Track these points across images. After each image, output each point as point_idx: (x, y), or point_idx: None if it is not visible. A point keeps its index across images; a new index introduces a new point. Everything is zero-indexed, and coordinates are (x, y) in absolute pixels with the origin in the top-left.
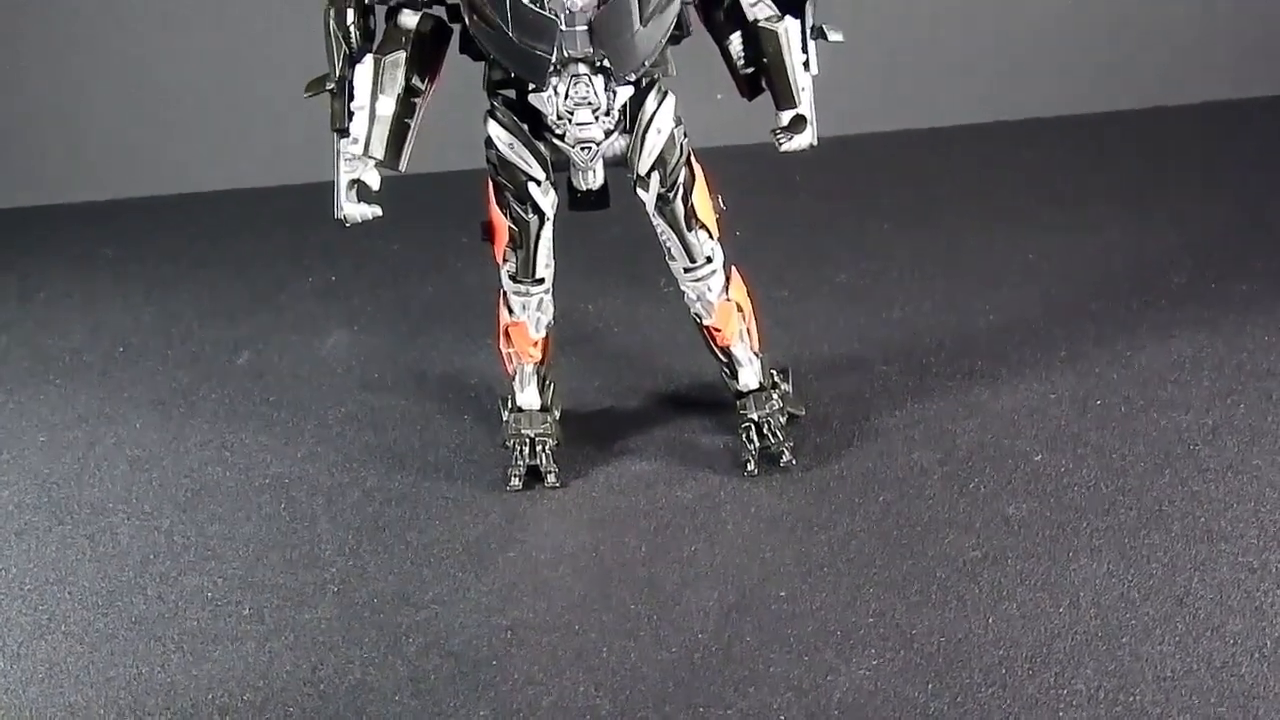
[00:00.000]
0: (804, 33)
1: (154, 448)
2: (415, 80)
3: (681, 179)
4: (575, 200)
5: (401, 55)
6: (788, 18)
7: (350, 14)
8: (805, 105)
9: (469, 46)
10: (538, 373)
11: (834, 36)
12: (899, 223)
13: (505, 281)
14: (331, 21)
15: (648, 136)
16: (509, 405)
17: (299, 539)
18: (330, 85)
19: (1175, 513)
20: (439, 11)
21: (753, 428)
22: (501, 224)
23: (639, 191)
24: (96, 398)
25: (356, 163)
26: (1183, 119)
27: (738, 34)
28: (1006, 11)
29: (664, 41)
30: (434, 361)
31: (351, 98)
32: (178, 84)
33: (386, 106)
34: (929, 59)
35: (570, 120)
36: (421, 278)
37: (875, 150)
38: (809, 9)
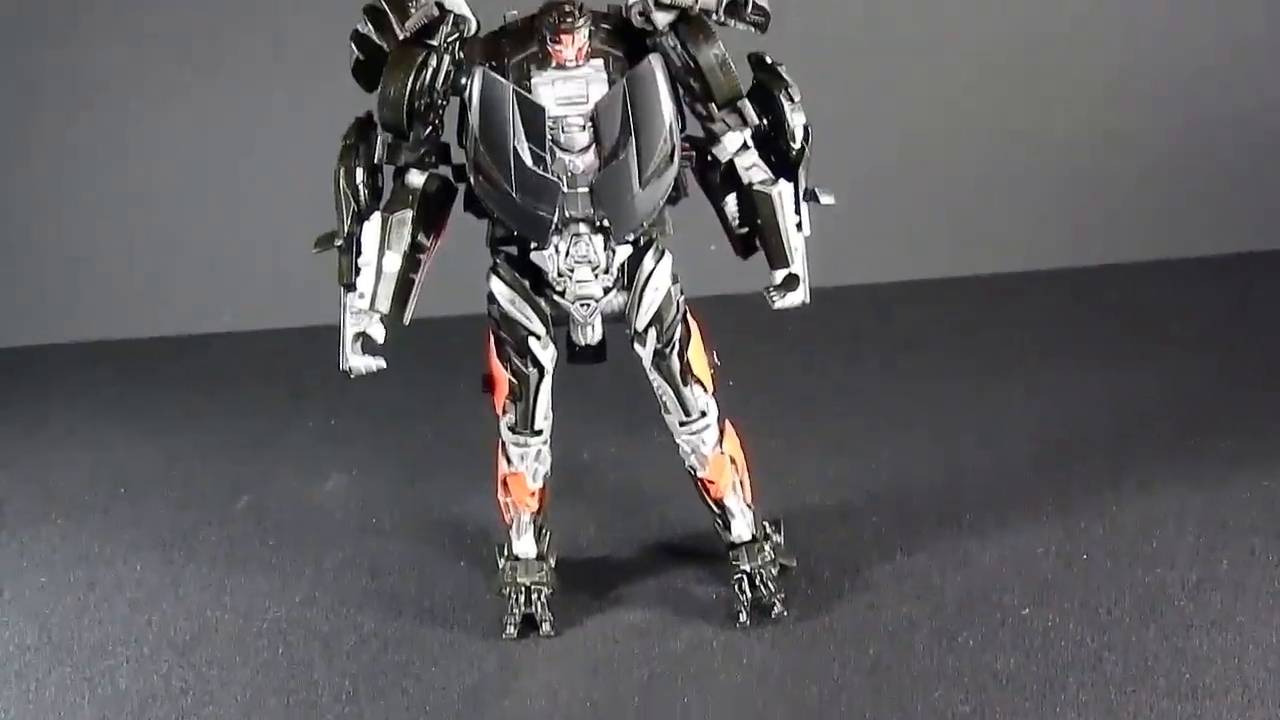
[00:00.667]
0: (797, 195)
1: (154, 589)
2: (421, 237)
3: (678, 335)
4: (574, 354)
5: (408, 214)
6: (781, 181)
7: (359, 173)
8: (798, 264)
9: (473, 205)
10: (534, 521)
11: (826, 199)
12: (888, 374)
13: (504, 432)
14: (341, 180)
15: (645, 294)
16: (505, 553)
17: (297, 684)
18: (339, 241)
19: (1160, 668)
20: (445, 172)
21: (745, 579)
22: (501, 377)
23: (636, 346)
24: (97, 538)
25: (362, 316)
26: (1166, 273)
27: (733, 196)
28: (992, 167)
29: (662, 203)
30: (432, 507)
31: (359, 254)
32: (181, 225)
33: (393, 263)
34: (916, 213)
35: (570, 277)
36: (420, 423)
37: (866, 302)
38: (802, 173)
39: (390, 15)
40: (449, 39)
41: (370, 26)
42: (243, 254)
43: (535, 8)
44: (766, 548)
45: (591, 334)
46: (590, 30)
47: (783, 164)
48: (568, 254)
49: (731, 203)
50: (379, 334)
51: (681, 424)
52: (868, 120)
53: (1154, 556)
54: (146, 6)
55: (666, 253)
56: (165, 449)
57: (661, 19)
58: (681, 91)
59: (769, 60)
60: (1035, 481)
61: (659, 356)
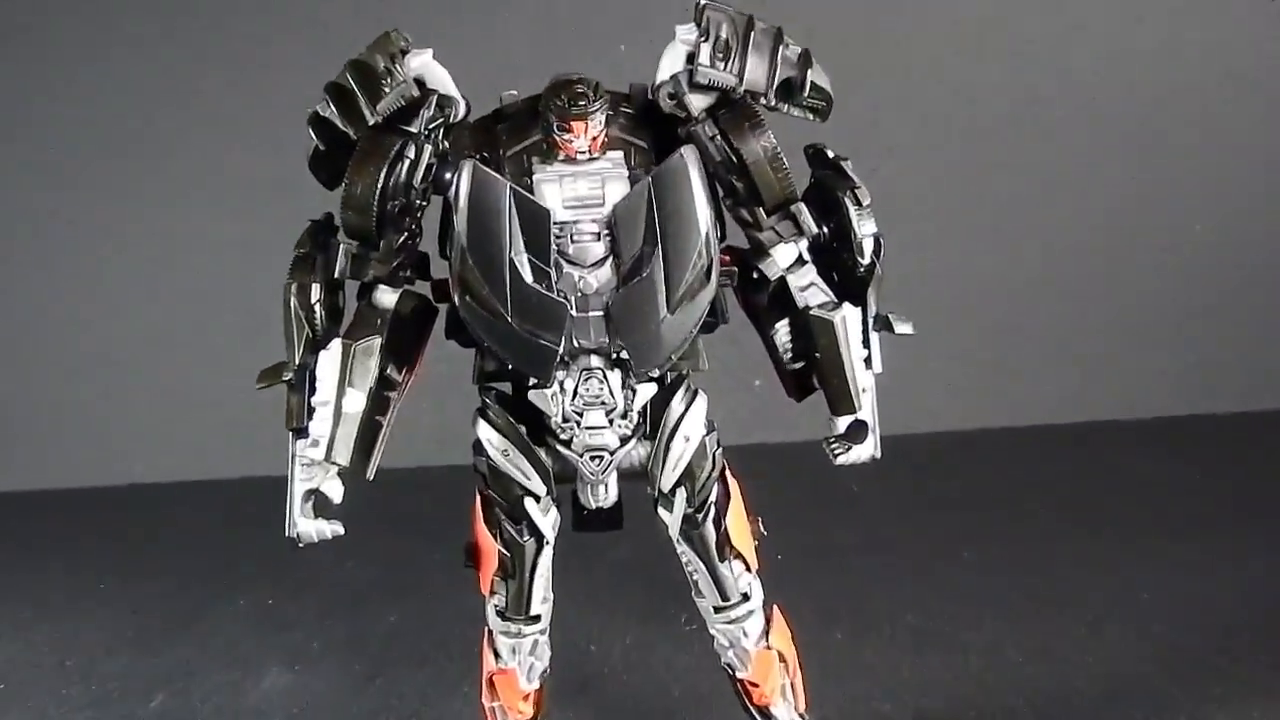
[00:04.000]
0: (865, 323)
1: None
2: (391, 371)
3: (713, 497)
4: (581, 519)
5: (376, 341)
6: (845, 305)
7: (315, 290)
8: (866, 410)
9: (457, 331)
10: None
11: (902, 328)
12: (978, 546)
13: (492, 619)
14: (293, 298)
15: (673, 445)
16: None
17: None
18: (288, 375)
19: None
20: (423, 289)
21: None
22: (490, 547)
23: (660, 511)
24: None
25: (316, 470)
26: None
27: (785, 323)
28: (1105, 299)
29: (695, 330)
30: (395, 712)
31: (313, 391)
32: (83, 356)
33: (355, 403)
34: (1012, 346)
35: (579, 424)
36: (383, 605)
37: (948, 454)
38: (872, 295)
39: (358, 95)
40: (431, 125)
41: (333, 108)
42: (162, 388)
43: (539, 86)
44: None
45: (605, 495)
46: (608, 115)
47: (847, 283)
48: (576, 394)
49: (783, 331)
50: (336, 492)
51: (717, 610)
52: (955, 230)
53: None
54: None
55: (700, 393)
56: (59, 633)
57: (697, 103)
58: (721, 192)
59: (831, 154)
60: (1165, 686)
61: (689, 524)
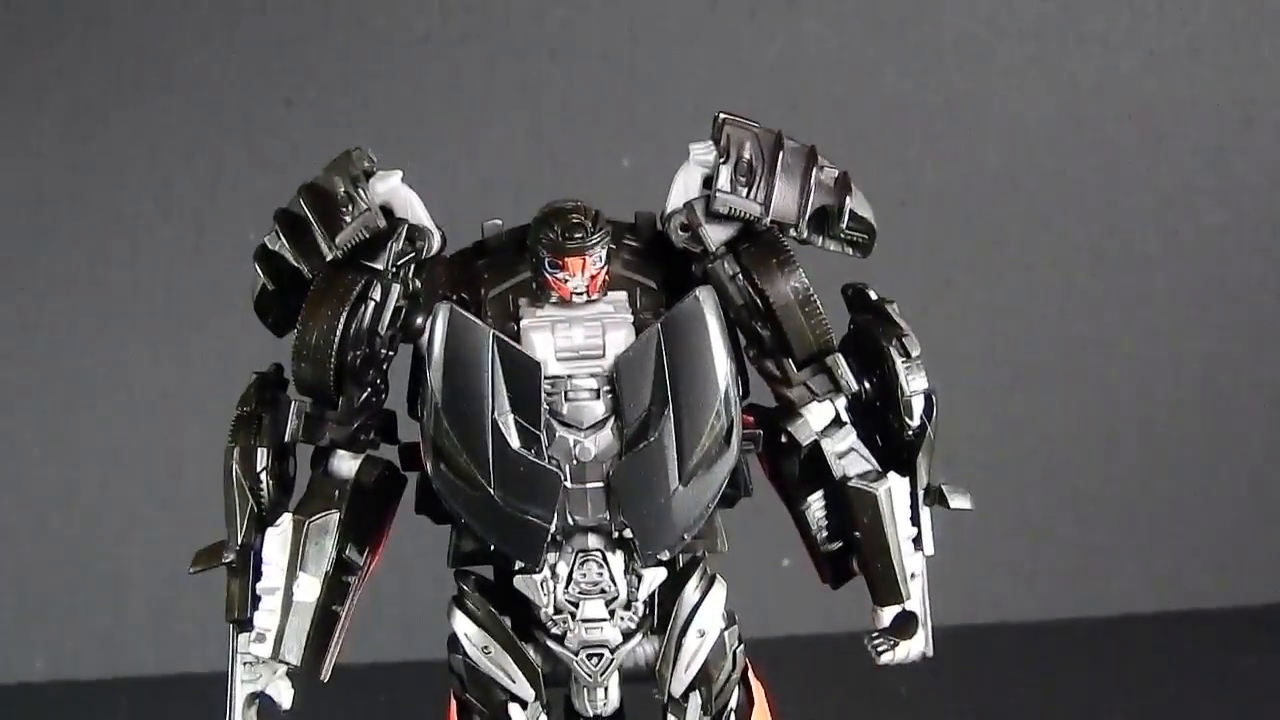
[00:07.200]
0: (914, 496)
1: None
2: (350, 552)
3: (733, 703)
4: None
5: (333, 517)
6: (891, 475)
7: (261, 455)
8: (916, 599)
9: (430, 505)
10: None
11: (958, 503)
12: None
13: None
14: (235, 465)
15: (685, 641)
16: None
17: None
18: (228, 557)
19: None
20: (388, 454)
21: None
22: None
23: (670, 719)
24: None
25: (261, 669)
26: None
27: (819, 495)
28: (1206, 470)
29: (712, 505)
30: None
31: (258, 576)
32: None
33: (308, 590)
34: (1090, 521)
35: (574, 616)
36: None
37: (1014, 650)
38: (922, 463)
39: (314, 224)
40: (400, 260)
41: (283, 240)
42: (67, 564)
43: (528, 215)
44: None
45: (604, 701)
46: (609, 249)
47: (893, 449)
48: (571, 580)
49: (817, 505)
50: (285, 695)
51: None
52: (1024, 383)
53: None
54: None
55: (718, 579)
56: None
57: (715, 235)
58: (743, 341)
59: (874, 295)
60: None
61: None
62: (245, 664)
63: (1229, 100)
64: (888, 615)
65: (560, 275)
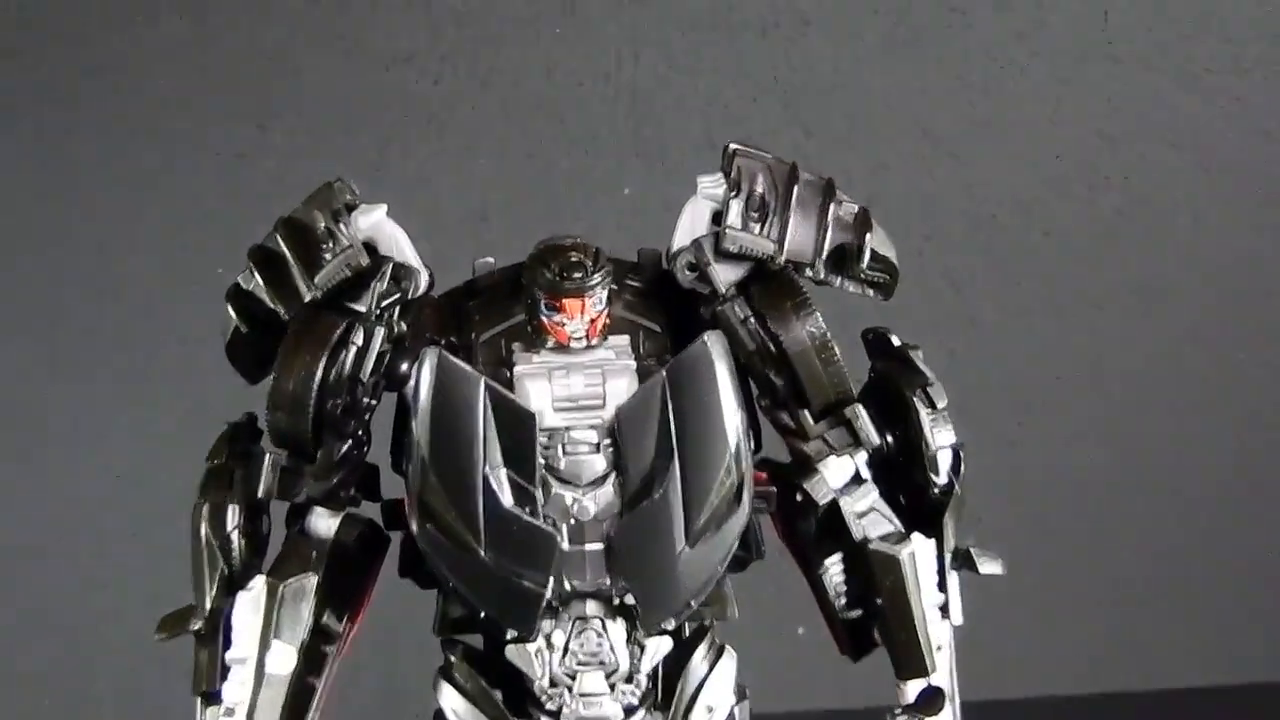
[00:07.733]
0: (941, 560)
1: None
2: (329, 619)
3: None
4: None
5: (310, 581)
6: (916, 537)
7: (232, 513)
8: (943, 672)
9: (414, 567)
10: None
11: (989, 568)
12: None
13: None
14: (203, 524)
15: (692, 718)
16: None
17: None
18: (196, 624)
19: None
20: (371, 511)
21: None
22: None
23: None
24: None
25: None
26: None
27: (837, 558)
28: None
29: (722, 569)
30: None
31: (228, 645)
32: None
33: (282, 661)
34: (1137, 588)
35: (571, 689)
36: None
37: None
38: (949, 524)
39: (291, 263)
40: (384, 302)
41: (258, 279)
42: (16, 630)
43: (522, 252)
44: None
45: None
46: (611, 290)
47: (918, 509)
48: (567, 651)
49: (835, 569)
50: None
51: None
52: (1062, 441)
53: None
54: None
55: (728, 650)
56: None
57: (725, 275)
58: (755, 390)
59: (896, 341)
60: None
61: None
62: None
63: (1277, 125)
64: (912, 690)
65: (558, 318)
